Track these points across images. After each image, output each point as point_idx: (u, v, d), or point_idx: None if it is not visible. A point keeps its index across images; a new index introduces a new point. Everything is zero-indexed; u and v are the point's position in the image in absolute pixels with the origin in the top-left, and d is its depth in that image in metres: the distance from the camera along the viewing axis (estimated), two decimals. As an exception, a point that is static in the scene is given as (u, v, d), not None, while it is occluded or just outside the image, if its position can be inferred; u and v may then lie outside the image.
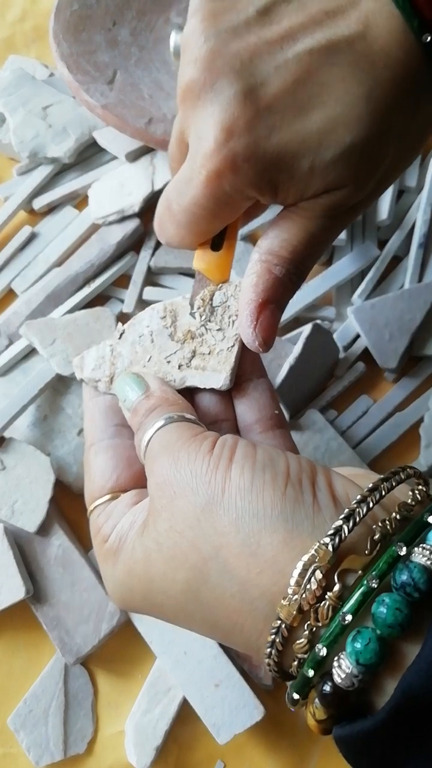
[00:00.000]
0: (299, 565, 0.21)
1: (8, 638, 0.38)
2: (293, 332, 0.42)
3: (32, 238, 0.46)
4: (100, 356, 0.31)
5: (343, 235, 0.43)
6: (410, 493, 0.23)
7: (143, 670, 0.37)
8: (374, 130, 0.26)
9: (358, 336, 0.43)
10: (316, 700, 0.21)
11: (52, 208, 0.47)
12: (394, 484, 0.23)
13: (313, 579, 0.21)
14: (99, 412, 0.30)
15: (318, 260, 0.32)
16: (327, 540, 0.21)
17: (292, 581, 0.21)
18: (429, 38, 0.25)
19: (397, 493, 0.23)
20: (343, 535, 0.21)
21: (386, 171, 0.29)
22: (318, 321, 0.41)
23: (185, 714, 0.36)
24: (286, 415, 0.38)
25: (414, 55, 0.26)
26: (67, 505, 0.40)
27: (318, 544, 0.21)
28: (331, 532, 0.21)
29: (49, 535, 0.38)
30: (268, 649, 0.22)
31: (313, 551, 0.21)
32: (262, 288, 0.28)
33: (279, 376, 0.40)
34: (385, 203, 0.45)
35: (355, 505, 0.22)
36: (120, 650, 0.38)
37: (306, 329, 0.40)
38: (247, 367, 0.31)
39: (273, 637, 0.22)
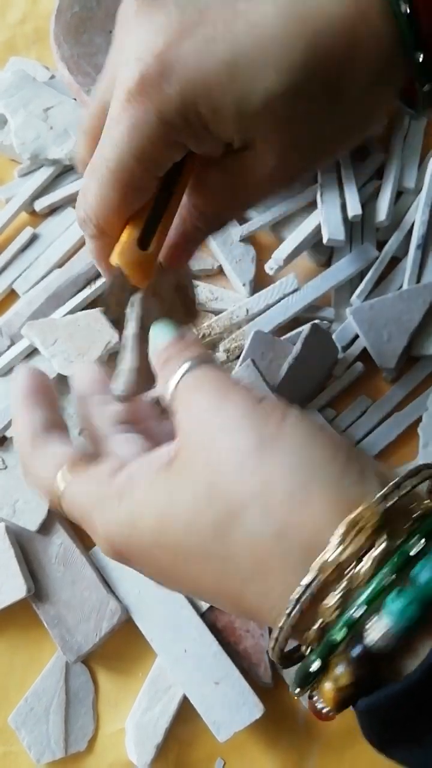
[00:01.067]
0: (346, 521, 0.21)
1: (9, 636, 0.38)
2: (292, 332, 0.42)
3: (34, 239, 0.46)
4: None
5: (342, 236, 0.44)
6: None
7: (144, 668, 0.38)
8: (308, 81, 0.25)
9: (356, 336, 0.43)
10: (339, 668, 0.20)
11: (53, 210, 0.48)
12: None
13: (357, 537, 0.20)
14: (30, 414, 0.28)
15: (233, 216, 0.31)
16: (376, 502, 0.21)
17: (336, 535, 0.20)
18: (407, 8, 0.24)
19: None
20: (391, 501, 0.21)
21: (322, 139, 0.27)
22: (317, 321, 0.42)
23: (185, 712, 0.36)
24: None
25: (385, 24, 0.25)
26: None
27: (367, 504, 0.21)
28: (380, 495, 0.21)
29: (50, 533, 0.38)
30: (290, 609, 0.21)
31: (361, 509, 0.21)
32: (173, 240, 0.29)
33: (278, 376, 0.40)
34: (383, 204, 0.45)
35: (401, 480, 0.21)
36: (120, 648, 0.38)
37: (305, 329, 0.41)
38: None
39: (301, 592, 0.21)
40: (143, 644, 0.37)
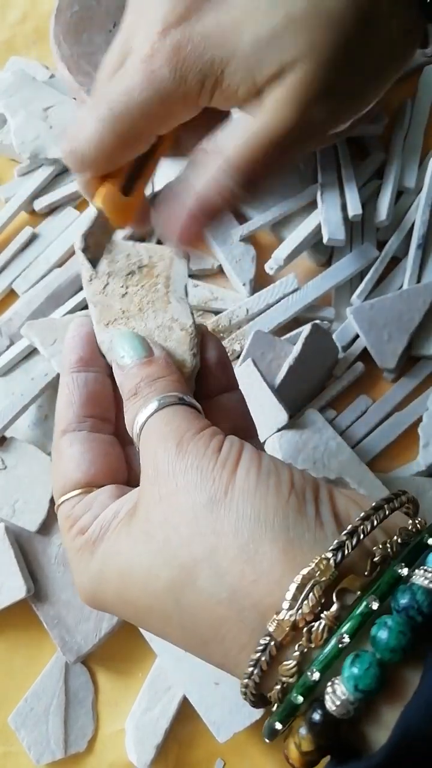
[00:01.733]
0: (298, 579, 0.20)
1: (9, 637, 0.38)
2: (293, 332, 0.42)
3: (33, 238, 0.46)
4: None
5: (342, 236, 0.44)
6: (409, 520, 0.22)
7: (143, 669, 0.38)
8: (336, 41, 0.25)
9: (357, 336, 0.43)
10: (302, 729, 0.20)
11: (53, 209, 0.48)
12: (396, 505, 0.22)
13: (311, 595, 0.20)
14: (79, 397, 0.27)
15: (279, 171, 0.28)
16: (329, 555, 0.20)
17: (289, 595, 0.20)
18: None
19: (395, 519, 0.22)
20: (346, 551, 0.20)
21: (347, 84, 0.26)
22: (317, 321, 0.42)
23: (185, 712, 0.36)
24: (286, 415, 0.38)
25: None
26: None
27: (319, 558, 0.20)
28: (333, 547, 0.20)
29: (49, 534, 0.38)
30: (251, 668, 0.21)
31: (313, 565, 0.20)
32: (200, 195, 0.27)
33: (278, 376, 0.40)
34: (384, 204, 0.45)
35: (359, 522, 0.21)
36: (120, 649, 0.38)
37: (305, 329, 0.41)
38: (222, 380, 0.29)
39: (259, 654, 0.20)
40: (143, 645, 0.37)
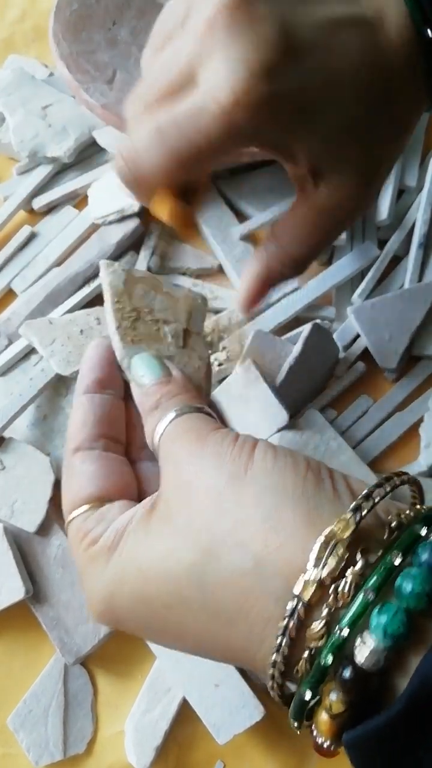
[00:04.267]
0: (321, 538, 0.21)
1: (8, 638, 0.38)
2: (293, 332, 0.42)
3: (32, 237, 0.46)
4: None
5: (343, 235, 0.43)
6: (412, 498, 0.23)
7: (143, 670, 0.37)
8: (373, 108, 0.28)
9: (358, 336, 0.43)
10: (332, 694, 0.20)
11: (51, 208, 0.48)
12: (405, 479, 0.23)
13: (335, 552, 0.20)
14: (94, 417, 0.28)
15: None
16: (348, 515, 0.21)
17: (313, 555, 0.21)
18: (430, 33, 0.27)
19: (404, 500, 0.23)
20: (363, 512, 0.21)
21: (382, 161, 0.30)
22: (318, 321, 0.41)
23: (185, 714, 0.36)
24: (286, 415, 0.38)
25: (414, 51, 0.28)
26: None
27: (339, 518, 0.21)
28: (351, 508, 0.21)
29: (48, 535, 0.38)
30: (279, 639, 0.21)
31: (334, 526, 0.21)
32: (260, 279, 0.32)
33: (279, 376, 0.40)
34: (385, 203, 0.45)
35: (372, 488, 0.22)
36: (120, 650, 0.38)
37: (306, 329, 0.40)
38: None
39: (286, 620, 0.21)
40: (142, 646, 0.37)
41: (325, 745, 0.21)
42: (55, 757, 0.36)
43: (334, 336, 0.43)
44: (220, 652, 0.24)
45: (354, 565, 0.21)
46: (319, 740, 0.21)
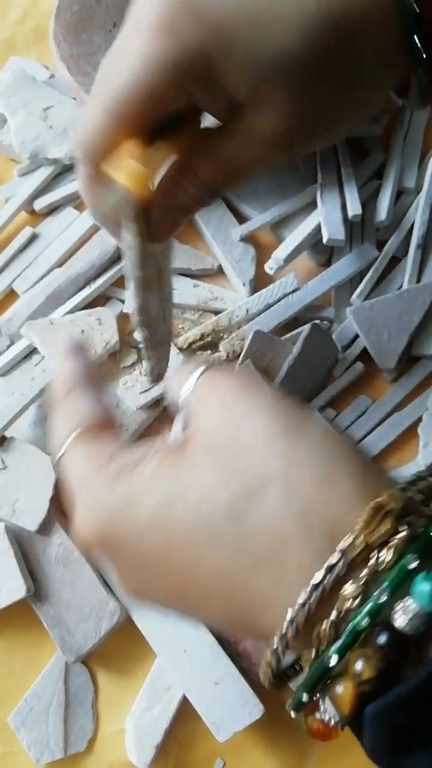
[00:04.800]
0: (372, 504, 0.20)
1: (9, 637, 0.38)
2: (292, 332, 0.42)
3: (33, 239, 0.46)
4: None
5: (342, 236, 0.44)
6: None
7: (143, 669, 0.38)
8: (324, 46, 0.26)
9: (356, 336, 0.43)
10: (358, 662, 0.19)
11: (53, 209, 0.48)
12: None
13: (384, 521, 0.20)
14: (69, 366, 0.28)
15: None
16: (399, 489, 0.21)
17: (362, 519, 0.20)
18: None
19: None
20: (411, 492, 0.21)
21: (326, 113, 0.28)
22: (317, 321, 0.42)
23: (185, 712, 0.36)
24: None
25: (394, 13, 0.26)
26: (68, 505, 0.40)
27: (393, 489, 0.21)
28: (407, 480, 0.21)
29: (49, 534, 0.38)
30: (308, 593, 0.20)
31: (385, 497, 0.20)
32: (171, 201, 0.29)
33: (278, 376, 0.40)
34: (383, 204, 0.45)
35: (417, 477, 0.22)
36: (120, 648, 0.38)
37: (305, 329, 0.41)
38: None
39: (324, 574, 0.20)
40: (143, 644, 0.37)
41: (333, 722, 0.20)
42: (56, 755, 0.36)
43: (333, 336, 0.43)
44: (226, 603, 0.22)
45: (399, 534, 0.20)
46: (327, 716, 0.20)
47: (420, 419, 0.42)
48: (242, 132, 0.28)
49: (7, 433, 0.40)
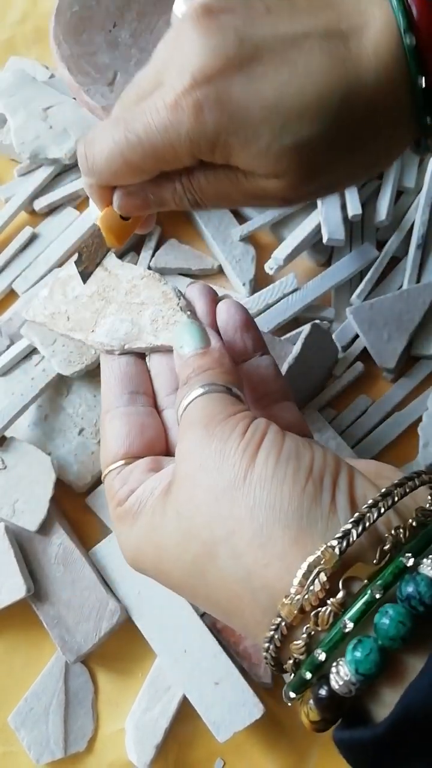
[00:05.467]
0: (304, 566, 0.21)
1: (9, 637, 0.38)
2: (292, 332, 0.42)
3: (33, 238, 0.46)
4: (115, 325, 0.32)
5: (342, 236, 0.44)
6: (429, 498, 0.23)
7: (143, 669, 0.38)
8: (337, 132, 0.27)
9: (356, 336, 0.43)
10: (311, 701, 0.21)
11: (52, 209, 0.48)
12: (407, 490, 0.22)
13: (317, 581, 0.21)
14: (114, 378, 0.31)
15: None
16: (334, 543, 0.21)
17: (296, 581, 0.21)
18: (424, 82, 0.26)
19: (418, 498, 0.23)
20: (350, 539, 0.21)
21: (331, 180, 0.29)
22: (317, 321, 0.42)
23: (185, 712, 0.36)
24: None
25: (402, 74, 0.26)
26: (68, 504, 0.40)
27: (325, 546, 0.21)
28: (339, 535, 0.21)
29: (49, 533, 0.38)
30: (266, 644, 0.22)
31: (319, 553, 0.21)
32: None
33: (278, 376, 0.40)
34: (383, 204, 0.45)
35: (366, 510, 0.21)
36: (120, 648, 0.38)
37: (305, 329, 0.41)
38: (249, 345, 0.31)
39: (272, 633, 0.22)
40: (143, 644, 0.37)
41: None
42: (56, 755, 0.36)
43: (333, 336, 0.43)
44: (228, 625, 0.25)
45: (335, 595, 0.21)
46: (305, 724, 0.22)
47: (420, 419, 0.42)
48: (245, 183, 0.29)
49: (7, 433, 0.40)
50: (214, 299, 0.32)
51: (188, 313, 0.31)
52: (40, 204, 0.47)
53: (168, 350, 0.31)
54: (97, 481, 0.40)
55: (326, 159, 0.27)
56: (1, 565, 0.37)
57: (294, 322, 0.43)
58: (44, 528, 0.38)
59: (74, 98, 0.48)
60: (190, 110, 0.26)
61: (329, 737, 0.36)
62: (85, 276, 0.33)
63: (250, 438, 0.24)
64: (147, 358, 0.32)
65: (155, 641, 0.37)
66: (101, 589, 0.37)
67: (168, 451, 0.30)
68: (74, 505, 0.40)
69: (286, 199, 0.29)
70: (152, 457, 0.29)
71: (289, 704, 0.23)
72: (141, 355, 0.32)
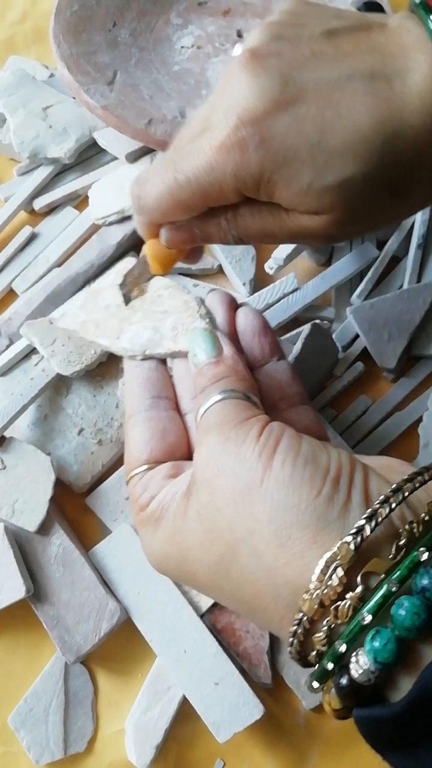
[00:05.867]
0: (321, 562, 0.22)
1: (8, 637, 0.38)
2: (292, 332, 0.42)
3: (33, 238, 0.46)
4: (138, 332, 0.34)
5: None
6: None
7: (143, 669, 0.38)
8: (380, 173, 0.27)
9: (357, 336, 0.43)
10: (333, 690, 0.22)
11: (52, 209, 0.48)
12: (417, 485, 0.23)
13: (334, 576, 0.22)
14: (137, 383, 0.32)
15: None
16: (349, 539, 0.22)
17: (314, 576, 0.22)
18: None
19: (431, 491, 0.24)
20: (364, 534, 0.22)
21: (377, 220, 0.30)
22: (317, 321, 0.41)
23: (185, 713, 0.36)
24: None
25: None
26: (68, 505, 0.40)
27: (341, 542, 0.22)
28: (353, 531, 0.22)
29: (49, 534, 0.38)
30: (291, 639, 0.23)
31: (335, 549, 0.22)
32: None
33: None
34: (384, 204, 0.45)
35: (378, 506, 0.22)
36: (120, 649, 0.38)
37: (305, 329, 0.40)
38: (266, 350, 0.32)
39: (295, 627, 0.23)
40: (143, 645, 0.37)
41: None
42: (56, 756, 0.36)
43: (334, 336, 0.43)
44: (253, 622, 0.27)
45: (353, 590, 0.22)
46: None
47: (420, 419, 0.42)
48: (287, 221, 0.29)
49: (7, 433, 0.40)
50: (233, 306, 0.33)
51: (207, 320, 0.32)
52: (39, 203, 0.47)
53: (187, 355, 0.32)
54: (97, 482, 0.40)
55: (370, 199, 0.28)
56: (1, 565, 0.37)
57: (294, 322, 0.43)
58: (44, 528, 0.38)
59: (74, 97, 0.48)
60: (236, 149, 0.27)
61: (329, 737, 0.36)
62: (127, 299, 0.35)
63: (265, 441, 0.25)
64: (169, 364, 0.33)
65: (155, 641, 0.37)
66: (101, 590, 0.37)
67: (191, 454, 0.31)
68: (74, 506, 0.40)
69: (328, 237, 0.30)
70: (172, 462, 0.29)
71: (313, 694, 0.24)
72: (163, 361, 0.33)
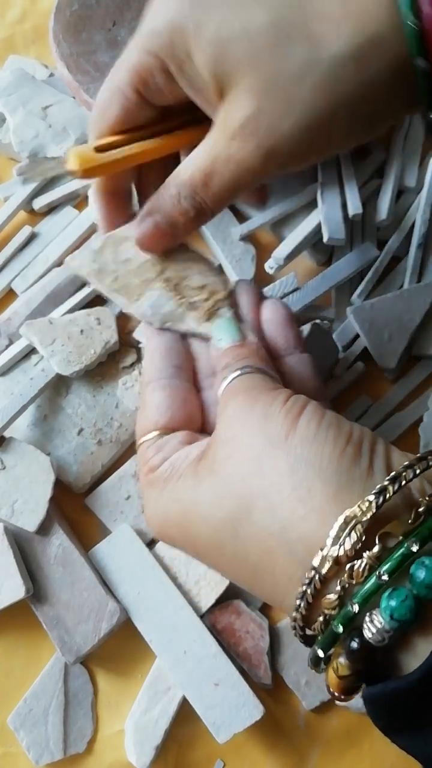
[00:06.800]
0: (341, 518, 0.22)
1: (8, 637, 0.38)
2: (293, 332, 0.42)
3: (32, 238, 0.46)
4: (161, 301, 0.32)
5: (342, 235, 0.43)
6: None
7: (143, 670, 0.37)
8: (282, 25, 0.27)
9: (357, 336, 0.43)
10: (341, 658, 0.22)
11: (52, 208, 0.48)
12: None
13: (353, 533, 0.21)
14: (159, 352, 0.31)
15: (235, 194, 0.31)
16: (371, 498, 0.22)
17: (333, 532, 0.22)
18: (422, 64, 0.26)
19: None
20: (387, 495, 0.21)
21: (310, 120, 0.28)
22: (317, 321, 0.41)
23: (185, 713, 0.36)
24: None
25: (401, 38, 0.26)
26: (67, 505, 0.40)
27: (362, 500, 0.22)
28: (376, 491, 0.22)
29: (49, 534, 0.38)
30: (298, 601, 0.22)
31: (356, 507, 0.22)
32: (151, 204, 0.32)
33: (278, 375, 0.40)
34: (384, 203, 0.45)
35: (402, 470, 0.22)
36: (120, 649, 0.38)
37: (305, 329, 0.40)
38: (290, 341, 0.32)
39: (305, 587, 0.22)
40: (142, 645, 0.37)
41: (335, 695, 0.22)
42: (55, 757, 0.36)
43: (334, 336, 0.43)
44: (251, 590, 0.26)
45: (371, 548, 0.21)
46: (330, 689, 0.23)
47: (421, 419, 0.42)
48: (218, 125, 0.29)
49: (6, 434, 0.40)
50: (258, 296, 0.33)
51: (231, 308, 0.32)
52: (39, 203, 0.47)
53: (205, 340, 0.32)
54: (97, 482, 0.40)
55: (277, 62, 0.27)
56: (1, 565, 0.37)
57: (294, 322, 0.43)
58: (43, 528, 0.38)
59: (73, 97, 0.48)
60: (147, 39, 0.29)
61: (329, 738, 0.36)
62: (25, 181, 0.36)
63: (290, 407, 0.25)
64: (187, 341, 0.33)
65: (155, 642, 0.37)
66: (101, 590, 0.37)
67: (206, 429, 0.31)
68: (73, 506, 0.40)
69: (259, 135, 0.28)
70: (188, 432, 0.29)
71: (311, 668, 0.23)
72: (184, 336, 0.33)
